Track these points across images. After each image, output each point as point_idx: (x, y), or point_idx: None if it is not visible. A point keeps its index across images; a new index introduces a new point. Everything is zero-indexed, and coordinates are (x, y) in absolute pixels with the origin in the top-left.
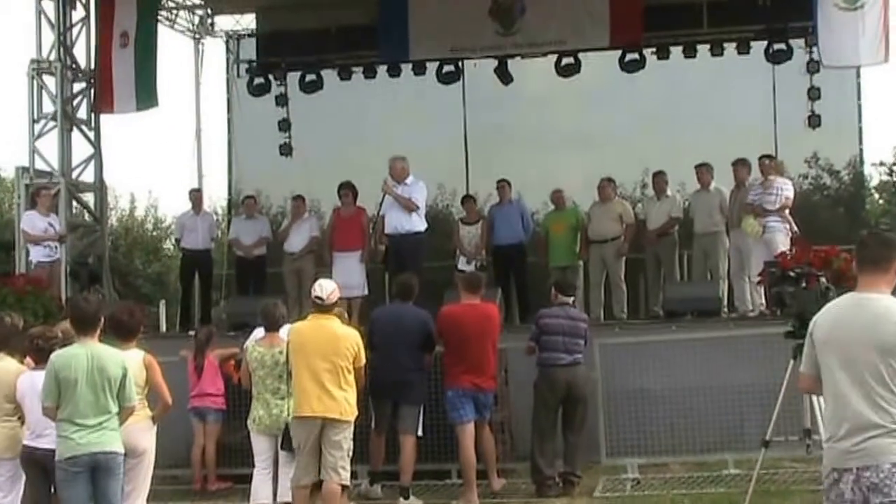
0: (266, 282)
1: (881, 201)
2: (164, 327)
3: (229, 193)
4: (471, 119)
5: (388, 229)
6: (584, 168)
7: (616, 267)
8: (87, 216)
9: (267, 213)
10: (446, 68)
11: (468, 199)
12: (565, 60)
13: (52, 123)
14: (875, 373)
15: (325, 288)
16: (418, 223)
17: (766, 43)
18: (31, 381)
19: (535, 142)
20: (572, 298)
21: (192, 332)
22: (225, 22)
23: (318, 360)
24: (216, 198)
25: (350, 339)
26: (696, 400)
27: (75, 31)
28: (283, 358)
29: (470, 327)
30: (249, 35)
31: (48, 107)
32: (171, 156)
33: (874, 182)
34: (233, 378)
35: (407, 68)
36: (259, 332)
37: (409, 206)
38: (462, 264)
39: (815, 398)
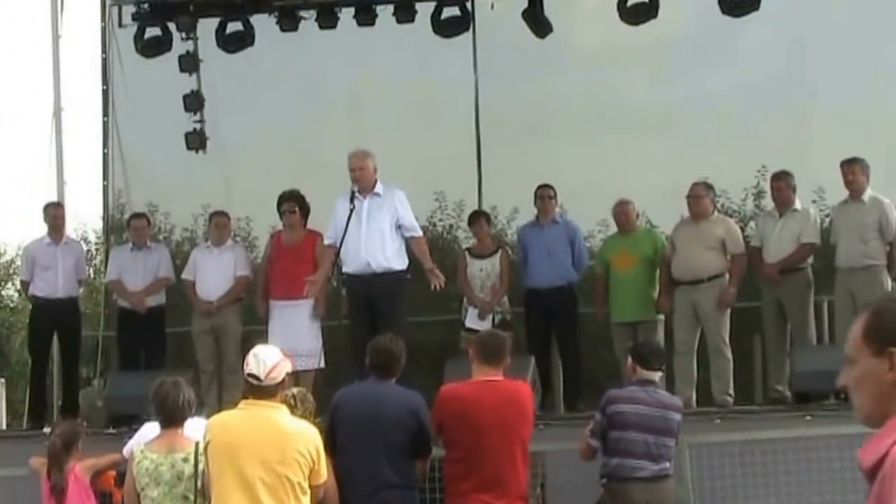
0: (165, 349)
1: None
2: (2, 421)
3: (106, 210)
4: (485, 91)
5: (351, 266)
6: (662, 166)
7: (717, 322)
8: None
9: (166, 239)
10: (448, 12)
11: (478, 218)
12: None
13: None
14: None
15: (265, 359)
16: (397, 257)
17: None
18: None
19: (585, 126)
20: (659, 374)
21: (47, 430)
22: None
23: (254, 468)
24: (86, 217)
25: (304, 441)
26: None
27: None
28: (189, 468)
29: (486, 418)
30: None
31: None
32: (13, 150)
33: None
34: (112, 501)
35: (385, 12)
36: (152, 429)
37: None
38: (472, 319)
39: None
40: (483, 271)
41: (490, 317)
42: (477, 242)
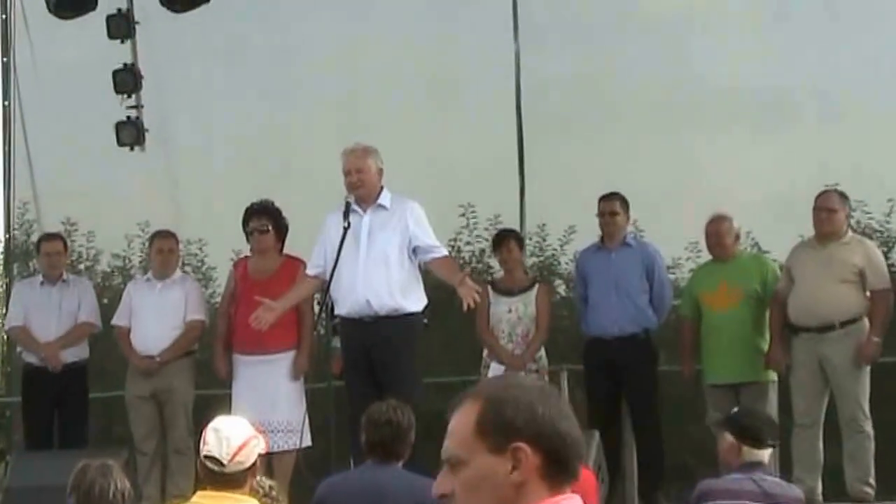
0: (87, 420)
1: None
2: None
3: (7, 230)
4: (530, 65)
5: (345, 306)
6: (775, 169)
7: (853, 384)
8: None
9: (90, 270)
10: None
11: (506, 240)
12: None
13: None
14: None
15: (229, 436)
16: (408, 294)
17: None
18: None
19: (668, 115)
20: (769, 452)
21: None
22: None
23: None
24: None
25: None
26: None
27: None
28: None
29: None
30: None
31: None
32: None
33: None
34: None
35: None
36: None
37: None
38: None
39: None
40: (512, 313)
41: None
42: (505, 274)
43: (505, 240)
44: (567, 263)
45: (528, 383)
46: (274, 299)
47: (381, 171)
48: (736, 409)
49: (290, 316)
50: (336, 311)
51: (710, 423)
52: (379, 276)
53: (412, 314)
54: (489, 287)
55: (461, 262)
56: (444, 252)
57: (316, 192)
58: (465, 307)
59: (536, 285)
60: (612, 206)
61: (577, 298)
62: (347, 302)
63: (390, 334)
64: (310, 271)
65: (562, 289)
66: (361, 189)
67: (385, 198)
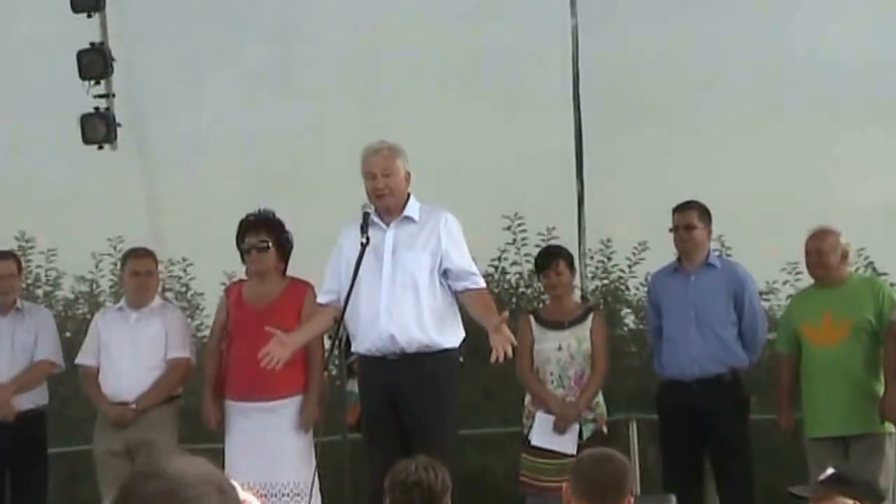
0: (47, 479)
1: None
2: None
3: None
4: (590, 45)
5: (366, 341)
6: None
7: None
8: None
9: (49, 296)
10: None
11: (554, 261)
12: None
13: None
14: None
15: None
16: (442, 327)
17: None
18: None
19: (760, 106)
20: None
21: None
22: None
23: None
24: None
25: None
26: None
27: None
28: None
29: None
30: None
31: None
32: None
33: None
34: None
35: None
36: None
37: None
38: (541, 432)
39: None
40: (563, 350)
41: (575, 428)
42: (552, 302)
43: (552, 260)
44: (637, 288)
45: None
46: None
47: (408, 176)
48: (840, 466)
49: (297, 353)
50: (353, 348)
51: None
52: (407, 304)
53: (447, 351)
54: (531, 318)
55: (507, 287)
56: (482, 283)
57: (328, 201)
58: (493, 359)
59: (591, 315)
60: (688, 218)
61: (650, 331)
62: (368, 336)
63: (421, 376)
64: (322, 299)
65: (630, 319)
66: (389, 198)
67: (413, 208)
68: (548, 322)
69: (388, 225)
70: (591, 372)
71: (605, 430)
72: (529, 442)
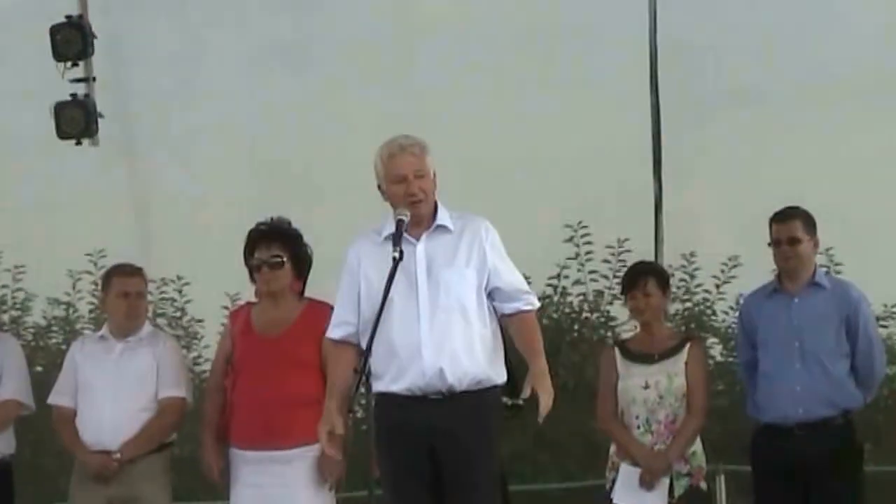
0: None
1: None
2: None
3: None
4: (670, 22)
5: (403, 379)
6: None
7: None
8: None
9: (16, 323)
10: None
11: (642, 280)
12: None
13: None
14: None
15: None
16: (493, 359)
17: None
18: None
19: (877, 91)
20: None
21: None
22: None
23: None
24: None
25: None
26: None
27: None
28: None
29: None
30: None
31: None
32: None
33: None
34: None
35: None
36: None
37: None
38: (625, 488)
39: None
40: (651, 389)
41: (665, 483)
42: (641, 330)
43: (639, 279)
44: (725, 313)
45: None
46: (288, 365)
47: (424, 173)
48: None
49: (315, 391)
50: (377, 387)
51: None
52: (455, 331)
53: (496, 388)
54: (616, 351)
55: (568, 311)
56: (536, 303)
57: (350, 206)
58: (540, 417)
59: (688, 345)
60: (792, 229)
61: (742, 366)
62: (408, 372)
63: (470, 418)
64: (335, 333)
65: (717, 350)
66: (423, 205)
67: (444, 215)
68: (634, 355)
69: (417, 238)
70: (687, 414)
71: (703, 485)
72: (610, 499)
